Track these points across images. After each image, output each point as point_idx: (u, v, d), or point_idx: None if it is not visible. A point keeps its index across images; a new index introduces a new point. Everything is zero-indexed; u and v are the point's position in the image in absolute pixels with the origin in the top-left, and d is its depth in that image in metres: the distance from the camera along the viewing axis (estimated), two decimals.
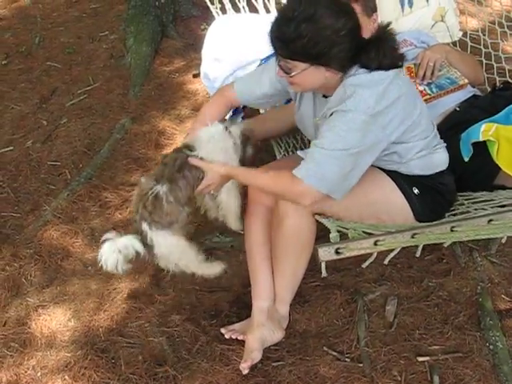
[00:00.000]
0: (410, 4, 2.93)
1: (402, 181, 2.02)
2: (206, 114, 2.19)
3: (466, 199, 2.17)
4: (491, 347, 2.06)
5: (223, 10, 3.11)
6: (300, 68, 1.83)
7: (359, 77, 1.84)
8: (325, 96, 1.99)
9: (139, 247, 1.86)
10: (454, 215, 2.04)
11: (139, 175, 3.00)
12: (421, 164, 2.00)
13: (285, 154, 2.50)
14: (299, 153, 2.22)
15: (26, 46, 4.32)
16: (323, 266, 1.66)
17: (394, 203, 2.03)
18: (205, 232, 2.65)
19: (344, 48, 1.80)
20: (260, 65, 2.70)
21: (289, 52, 1.82)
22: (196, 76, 3.73)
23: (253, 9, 3.16)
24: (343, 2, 1.85)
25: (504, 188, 2.22)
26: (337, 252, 1.29)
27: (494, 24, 2.94)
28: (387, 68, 1.85)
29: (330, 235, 1.58)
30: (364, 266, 1.60)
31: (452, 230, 1.28)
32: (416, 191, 2.02)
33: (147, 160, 3.10)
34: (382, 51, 1.84)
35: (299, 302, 2.25)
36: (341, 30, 1.77)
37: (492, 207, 1.95)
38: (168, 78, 3.82)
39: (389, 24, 1.90)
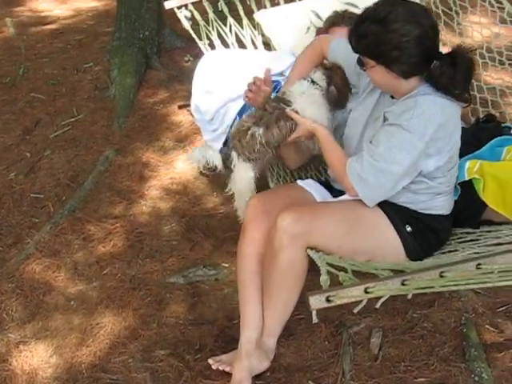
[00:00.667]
0: None
1: (397, 218, 2.04)
2: (300, 67, 2.34)
3: (453, 238, 2.18)
4: (476, 378, 2.06)
5: (212, 46, 3.15)
6: (369, 64, 1.94)
7: (431, 99, 1.91)
8: (392, 97, 2.04)
9: (219, 163, 2.35)
10: (443, 253, 2.06)
11: (123, 208, 3.00)
12: (429, 202, 2.05)
13: (276, 184, 2.49)
14: (299, 182, 2.24)
15: (9, 77, 4.33)
16: (314, 313, 1.66)
17: (387, 240, 2.04)
18: (189, 265, 2.64)
19: (406, 54, 1.86)
20: None
21: (358, 47, 1.95)
22: (181, 107, 3.75)
23: (241, 45, 3.20)
24: (420, 9, 1.92)
25: (490, 223, 2.23)
26: (327, 300, 1.28)
27: (476, 55, 2.99)
28: (445, 92, 1.91)
29: (321, 278, 1.57)
30: (355, 311, 1.59)
31: (441, 276, 1.27)
32: (409, 229, 2.04)
33: (131, 192, 3.10)
34: (448, 72, 1.89)
35: (284, 336, 2.23)
36: (406, 35, 1.84)
37: (479, 246, 1.97)
38: (152, 110, 3.84)
39: (471, 49, 1.96)
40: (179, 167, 3.29)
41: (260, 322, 2.09)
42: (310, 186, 2.27)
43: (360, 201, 2.03)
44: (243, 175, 2.20)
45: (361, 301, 1.42)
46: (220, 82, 2.83)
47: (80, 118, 3.80)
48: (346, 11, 2.80)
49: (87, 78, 4.25)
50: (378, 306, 1.75)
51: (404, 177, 1.96)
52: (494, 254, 1.31)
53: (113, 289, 2.54)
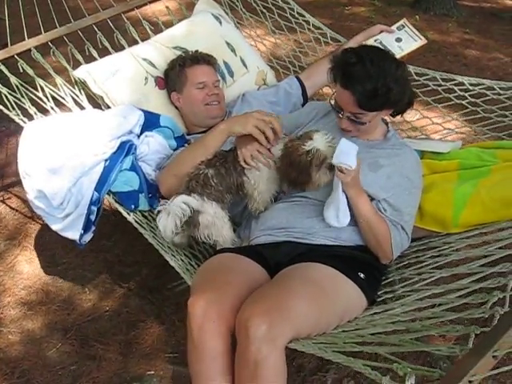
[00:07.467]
0: (231, 74, 2.79)
1: (348, 269, 1.90)
2: None
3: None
4: None
5: (27, 116, 2.55)
6: (371, 115, 2.02)
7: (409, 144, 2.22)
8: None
9: (193, 203, 2.01)
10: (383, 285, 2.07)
11: None
12: None
13: (185, 263, 2.13)
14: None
15: None
16: None
17: (350, 293, 1.88)
18: None
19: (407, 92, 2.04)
20: (107, 166, 2.29)
21: (371, 105, 1.98)
22: None
23: (63, 108, 2.67)
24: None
25: (412, 240, 2.23)
26: None
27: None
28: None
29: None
30: None
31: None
32: (362, 275, 1.92)
33: None
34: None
35: None
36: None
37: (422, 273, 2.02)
38: None
39: None
40: (26, 271, 2.67)
41: None
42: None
43: (308, 266, 1.88)
44: (213, 212, 2.06)
45: None
46: (64, 157, 2.32)
47: None
48: (180, 55, 2.66)
49: None
50: None
51: None
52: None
53: None
